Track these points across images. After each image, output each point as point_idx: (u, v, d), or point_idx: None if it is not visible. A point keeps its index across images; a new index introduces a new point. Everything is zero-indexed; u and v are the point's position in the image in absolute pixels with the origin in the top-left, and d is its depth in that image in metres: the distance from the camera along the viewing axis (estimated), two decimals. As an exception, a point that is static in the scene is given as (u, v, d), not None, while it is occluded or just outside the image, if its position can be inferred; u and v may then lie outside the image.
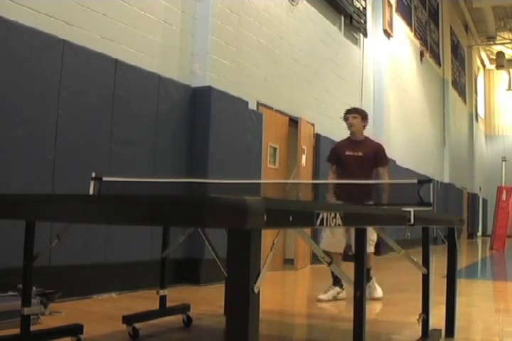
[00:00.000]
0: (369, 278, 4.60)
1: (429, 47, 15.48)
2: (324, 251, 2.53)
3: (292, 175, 7.54)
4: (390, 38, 11.53)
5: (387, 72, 11.30)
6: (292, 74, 7.89)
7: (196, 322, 3.53)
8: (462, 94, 20.46)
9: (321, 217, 1.62)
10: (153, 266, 3.55)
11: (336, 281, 4.71)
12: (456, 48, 19.36)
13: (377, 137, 8.81)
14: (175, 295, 3.97)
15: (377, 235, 4.44)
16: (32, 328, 2.57)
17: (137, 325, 3.07)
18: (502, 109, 27.18)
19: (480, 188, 22.82)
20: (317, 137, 8.26)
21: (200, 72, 5.71)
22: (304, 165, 7.53)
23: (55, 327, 2.86)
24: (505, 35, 22.07)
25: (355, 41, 10.29)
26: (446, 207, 15.46)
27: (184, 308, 3.53)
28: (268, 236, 1.85)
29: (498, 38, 22.25)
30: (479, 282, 6.95)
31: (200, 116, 5.59)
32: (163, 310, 3.43)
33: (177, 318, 3.47)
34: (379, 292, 4.79)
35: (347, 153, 4.87)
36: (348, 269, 2.29)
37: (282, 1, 7.65)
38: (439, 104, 16.76)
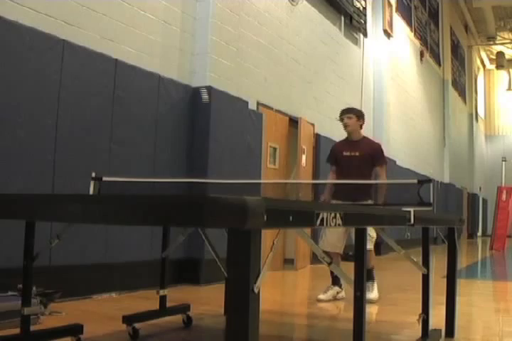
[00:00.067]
0: (370, 278, 4.57)
1: (429, 47, 15.48)
2: (324, 251, 2.52)
3: (292, 175, 7.54)
4: (390, 38, 11.53)
5: (387, 72, 11.30)
6: (292, 74, 7.89)
7: (196, 322, 3.53)
8: (462, 94, 20.46)
9: (321, 217, 1.62)
10: (153, 266, 3.55)
11: (335, 281, 4.71)
12: (456, 48, 19.36)
13: (377, 137, 8.85)
14: (175, 295, 3.98)
15: (377, 235, 4.45)
16: (32, 328, 2.57)
17: (137, 325, 3.07)
18: (502, 109, 27.17)
19: (480, 188, 22.82)
20: (317, 137, 8.26)
21: (200, 72, 5.71)
22: (304, 165, 7.53)
23: (55, 327, 2.86)
24: (505, 35, 22.07)
25: (355, 41, 10.28)
26: (446, 207, 15.47)
27: (184, 308, 3.53)
28: (268, 236, 1.85)
29: (498, 38, 22.26)
30: (479, 282, 6.95)
31: (200, 116, 5.60)
32: (163, 310, 3.43)
33: (177, 318, 3.47)
34: (374, 295, 4.63)
35: (344, 153, 4.88)
36: (348, 269, 2.29)
37: (282, 1, 7.65)
38: (439, 104, 16.76)
